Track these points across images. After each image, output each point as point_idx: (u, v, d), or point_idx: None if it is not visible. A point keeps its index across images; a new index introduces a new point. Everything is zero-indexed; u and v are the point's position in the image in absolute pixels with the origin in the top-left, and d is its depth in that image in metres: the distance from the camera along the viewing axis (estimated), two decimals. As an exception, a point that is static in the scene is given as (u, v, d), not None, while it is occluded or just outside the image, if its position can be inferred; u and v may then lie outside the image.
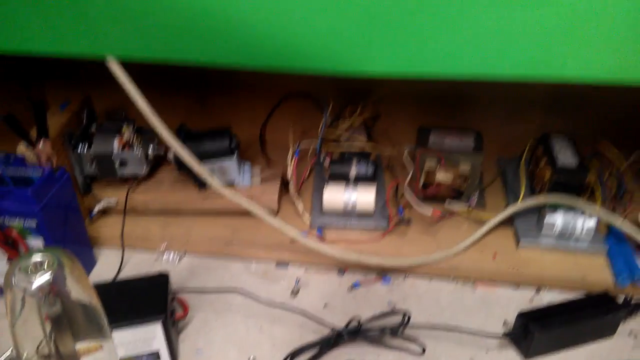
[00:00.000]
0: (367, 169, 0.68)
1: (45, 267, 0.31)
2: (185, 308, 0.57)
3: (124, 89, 0.54)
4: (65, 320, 0.32)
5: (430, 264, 0.64)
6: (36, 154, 0.55)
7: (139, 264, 0.67)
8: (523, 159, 0.76)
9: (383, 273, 0.65)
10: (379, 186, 0.71)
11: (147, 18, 0.48)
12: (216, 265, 0.67)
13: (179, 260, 0.67)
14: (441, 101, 0.82)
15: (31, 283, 0.30)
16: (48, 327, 0.32)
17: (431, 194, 0.71)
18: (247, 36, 0.47)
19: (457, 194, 0.72)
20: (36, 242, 0.55)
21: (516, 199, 0.70)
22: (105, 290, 0.52)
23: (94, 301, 0.37)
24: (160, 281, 0.54)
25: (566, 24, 0.45)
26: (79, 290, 0.34)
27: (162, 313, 0.50)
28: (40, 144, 0.54)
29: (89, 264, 0.66)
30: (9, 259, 0.54)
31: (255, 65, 0.50)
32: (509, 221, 0.70)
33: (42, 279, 0.31)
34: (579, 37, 0.46)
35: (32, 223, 0.54)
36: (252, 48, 0.48)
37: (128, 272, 0.65)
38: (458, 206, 0.71)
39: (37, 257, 0.32)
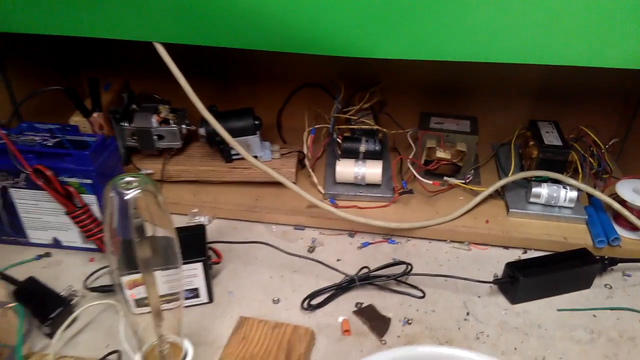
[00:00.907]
0: (375, 145, 0.77)
1: (136, 185, 0.40)
2: (219, 255, 0.65)
3: (170, 70, 0.63)
4: (145, 232, 0.41)
5: (430, 227, 0.73)
6: (90, 123, 0.64)
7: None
8: (513, 141, 0.85)
9: (388, 236, 0.74)
10: (385, 162, 0.80)
11: (192, 9, 0.57)
12: (241, 226, 0.75)
13: (209, 222, 0.76)
14: (441, 91, 0.92)
15: (125, 194, 0.39)
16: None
17: (432, 169, 0.80)
18: (277, 25, 0.56)
19: (454, 171, 0.81)
20: (90, 198, 0.64)
21: (507, 175, 0.79)
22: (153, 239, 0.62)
23: (170, 227, 0.45)
24: (198, 231, 0.63)
25: (548, 17, 0.54)
26: (159, 216, 0.42)
27: (203, 255, 0.59)
28: (95, 115, 0.63)
29: (128, 226, 0.74)
30: (67, 212, 0.63)
31: (284, 50, 0.58)
32: (500, 194, 0.79)
33: (134, 192, 0.39)
34: (559, 28, 0.55)
35: (87, 181, 0.63)
36: (282, 36, 0.57)
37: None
38: (455, 180, 0.80)
39: (130, 178, 0.40)
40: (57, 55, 0.88)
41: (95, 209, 0.65)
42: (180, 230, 0.62)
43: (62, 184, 0.62)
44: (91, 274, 0.64)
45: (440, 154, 0.79)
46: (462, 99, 0.92)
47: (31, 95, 0.61)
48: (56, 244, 0.68)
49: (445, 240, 0.74)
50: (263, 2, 0.56)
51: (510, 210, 0.76)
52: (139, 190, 0.39)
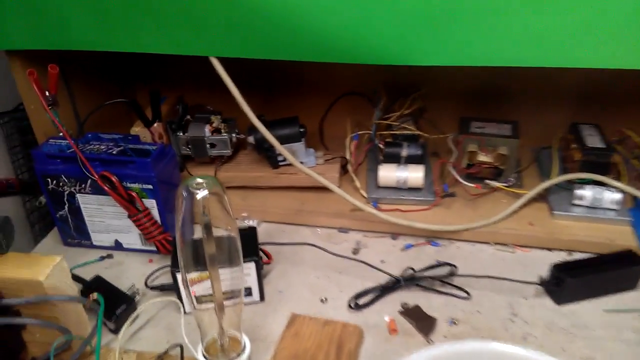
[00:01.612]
0: (416, 150, 0.79)
1: (205, 186, 0.43)
2: (269, 256, 0.69)
3: (222, 83, 0.67)
4: (212, 229, 0.44)
5: (473, 229, 0.74)
6: (151, 133, 0.68)
7: (223, 230, 0.79)
8: (555, 145, 0.86)
9: (431, 239, 0.76)
10: (426, 166, 0.81)
11: (244, 24, 0.61)
12: (288, 229, 0.79)
13: (258, 225, 0.79)
14: (481, 96, 0.93)
15: (196, 193, 0.43)
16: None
17: (473, 173, 0.81)
18: (324, 37, 0.59)
19: (496, 175, 0.82)
20: (150, 202, 0.68)
21: (550, 178, 0.80)
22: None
23: (234, 227, 0.49)
24: (250, 233, 0.66)
25: (584, 26, 0.55)
26: (224, 216, 0.46)
27: (255, 255, 0.62)
28: (155, 125, 0.68)
29: (182, 229, 0.79)
30: (129, 215, 0.67)
31: (331, 60, 0.61)
32: (543, 197, 0.80)
33: (203, 192, 0.43)
34: (602, 31, 0.56)
35: (148, 186, 0.67)
36: (328, 47, 0.60)
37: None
38: (497, 184, 0.81)
39: (200, 180, 0.44)
40: (115, 69, 0.94)
41: (155, 212, 0.69)
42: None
43: (125, 189, 0.66)
44: (151, 274, 0.68)
45: (482, 157, 0.80)
46: (502, 103, 0.93)
47: (99, 108, 0.66)
48: (117, 246, 0.73)
49: (489, 243, 0.75)
50: (310, 15, 0.59)
51: (554, 212, 0.76)
52: (207, 192, 0.43)
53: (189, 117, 0.81)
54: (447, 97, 0.93)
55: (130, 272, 0.70)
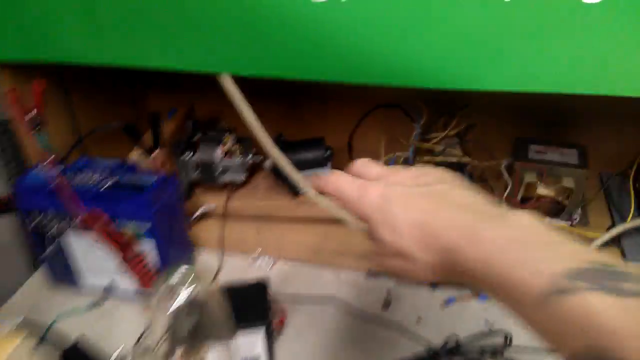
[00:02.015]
0: (463, 182, 0.66)
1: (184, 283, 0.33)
2: (282, 316, 0.58)
3: (232, 102, 0.56)
4: (199, 329, 0.34)
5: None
6: (152, 161, 0.58)
7: (234, 268, 0.69)
8: (632, 175, 0.71)
9: (477, 291, 0.64)
10: (474, 199, 0.69)
11: (260, 39, 0.49)
12: (307, 271, 0.68)
13: (272, 265, 0.69)
14: (539, 113, 0.79)
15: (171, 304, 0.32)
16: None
17: (530, 209, 0.68)
18: (360, 55, 0.48)
19: (556, 211, 0.69)
20: (148, 243, 0.59)
21: (622, 216, 0.66)
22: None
23: (223, 308, 0.38)
24: (260, 288, 0.56)
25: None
26: (212, 301, 0.36)
27: (265, 319, 0.52)
28: (156, 152, 0.58)
29: (189, 262, 0.69)
30: (122, 259, 0.58)
31: (368, 83, 0.50)
32: (614, 240, 0.66)
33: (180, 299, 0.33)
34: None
35: (145, 226, 0.57)
36: (366, 66, 0.49)
37: (225, 276, 0.68)
38: (560, 222, 0.68)
39: (175, 278, 0.34)
40: (124, 77, 0.84)
41: (152, 255, 0.60)
42: (238, 291, 0.55)
43: (118, 229, 0.57)
44: (143, 334, 0.59)
45: (542, 190, 0.67)
46: (563, 121, 0.79)
47: (93, 132, 0.57)
48: (111, 289, 0.64)
49: (548, 299, 0.62)
50: (344, 32, 0.47)
51: (631, 262, 0.63)
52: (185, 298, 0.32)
53: (199, 135, 0.71)
54: (499, 113, 0.79)
55: (122, 327, 0.61)
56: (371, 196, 0.34)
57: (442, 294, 0.64)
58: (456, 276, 0.30)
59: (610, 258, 0.25)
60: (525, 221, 0.28)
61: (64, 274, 0.64)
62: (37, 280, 0.68)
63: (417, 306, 0.62)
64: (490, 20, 0.45)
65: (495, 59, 0.47)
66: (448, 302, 0.63)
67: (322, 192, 0.41)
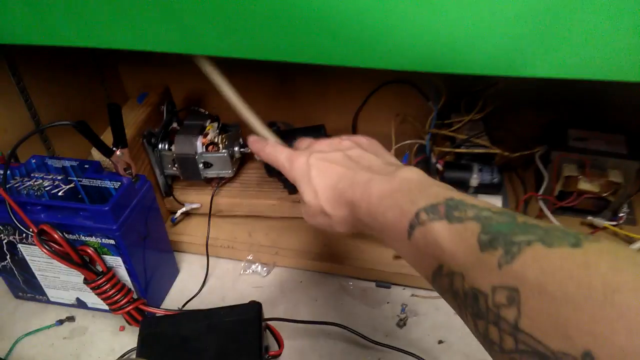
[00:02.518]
0: (492, 176, 0.56)
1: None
2: (280, 342, 0.49)
3: (214, 84, 0.46)
4: None
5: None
6: (113, 164, 0.48)
7: (223, 275, 0.60)
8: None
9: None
10: (504, 198, 0.58)
11: (248, 18, 0.38)
12: (308, 280, 0.58)
13: (267, 273, 0.60)
14: (579, 92, 0.67)
15: None
16: None
17: (569, 205, 0.58)
18: (375, 35, 0.37)
19: (601, 208, 0.59)
20: (114, 260, 0.49)
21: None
22: (194, 321, 0.46)
23: None
24: (251, 313, 0.46)
25: None
26: None
27: (257, 354, 0.42)
28: (118, 153, 0.47)
29: (171, 273, 0.60)
30: (85, 281, 0.48)
31: (383, 68, 0.39)
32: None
33: None
34: None
35: (109, 241, 0.48)
36: (382, 47, 0.37)
37: (213, 284, 0.59)
38: (603, 221, 0.58)
39: None
40: (87, 56, 0.72)
41: (122, 272, 0.50)
42: (228, 314, 0.46)
43: (76, 247, 0.47)
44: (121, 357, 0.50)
45: (584, 185, 0.57)
46: (607, 103, 0.67)
47: (34, 133, 0.46)
48: (80, 304, 0.55)
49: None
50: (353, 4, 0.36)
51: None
52: None
53: (175, 124, 0.60)
54: (531, 93, 0.67)
55: (94, 347, 0.52)
56: (298, 164, 0.39)
57: (465, 309, 0.54)
58: (361, 227, 0.36)
59: (462, 194, 0.29)
60: (408, 174, 0.33)
61: (27, 286, 0.55)
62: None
63: (438, 324, 0.53)
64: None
65: (542, 43, 0.36)
66: (473, 319, 0.53)
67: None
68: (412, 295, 0.56)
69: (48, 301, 0.56)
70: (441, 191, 0.29)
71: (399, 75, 0.68)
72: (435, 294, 0.56)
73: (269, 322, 0.51)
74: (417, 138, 0.64)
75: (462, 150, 0.57)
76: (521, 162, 0.66)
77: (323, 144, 0.40)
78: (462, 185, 0.56)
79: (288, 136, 0.57)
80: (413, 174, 0.33)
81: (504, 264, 0.23)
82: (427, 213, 0.28)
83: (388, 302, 0.56)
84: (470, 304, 0.24)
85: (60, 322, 0.55)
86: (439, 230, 0.27)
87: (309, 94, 0.75)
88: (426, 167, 0.63)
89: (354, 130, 0.74)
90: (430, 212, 0.28)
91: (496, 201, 0.56)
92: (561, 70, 0.38)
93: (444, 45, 0.37)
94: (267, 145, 0.44)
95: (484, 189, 0.56)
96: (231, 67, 0.48)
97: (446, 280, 0.26)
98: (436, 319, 0.54)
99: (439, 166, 0.58)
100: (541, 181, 0.60)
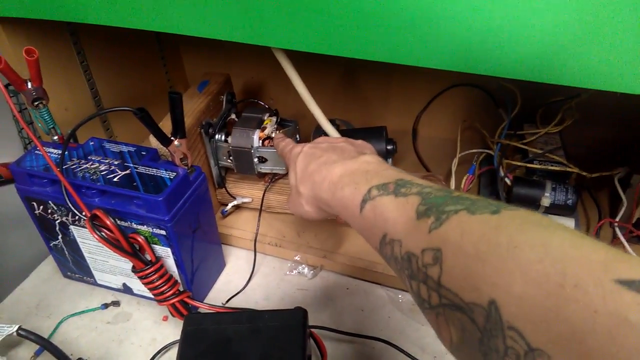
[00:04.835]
0: (566, 196, 0.51)
1: None
2: (324, 352, 0.47)
3: (289, 78, 0.44)
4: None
5: None
6: (170, 153, 0.47)
7: (269, 274, 0.58)
8: None
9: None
10: (576, 221, 0.54)
11: (322, 13, 0.36)
12: (355, 288, 0.56)
13: (314, 275, 0.58)
14: None
15: None
16: None
17: (648, 236, 0.53)
18: (445, 35, 0.34)
19: (685, 240, 0.53)
20: (164, 250, 0.48)
21: None
22: (238, 322, 0.45)
23: None
24: (295, 320, 0.44)
25: None
26: None
27: (300, 368, 0.41)
28: (175, 143, 0.46)
29: (218, 266, 0.59)
30: (134, 269, 0.48)
31: (452, 69, 0.36)
32: None
33: None
34: None
35: (160, 232, 0.47)
36: (451, 49, 0.34)
37: (258, 281, 0.58)
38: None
39: None
40: (149, 39, 0.72)
41: (170, 263, 0.49)
42: (273, 318, 0.45)
43: (127, 234, 0.46)
44: (161, 351, 0.49)
45: (667, 215, 0.52)
46: None
47: (91, 118, 0.45)
48: (127, 290, 0.55)
49: None
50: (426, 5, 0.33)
51: None
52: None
53: (234, 115, 0.58)
54: (614, 109, 0.61)
55: (136, 337, 0.52)
56: (294, 151, 0.43)
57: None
58: (323, 206, 0.38)
59: (413, 177, 0.31)
60: (369, 158, 0.36)
61: (76, 267, 0.56)
62: (48, 269, 0.60)
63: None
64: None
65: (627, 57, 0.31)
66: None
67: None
68: (466, 315, 0.53)
69: (95, 283, 0.56)
70: (394, 173, 0.32)
71: (468, 79, 0.64)
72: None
73: (313, 330, 0.49)
74: (484, 147, 0.60)
75: (535, 165, 0.53)
76: (597, 183, 0.61)
77: (323, 138, 0.44)
78: (531, 203, 0.52)
79: (348, 135, 0.55)
80: (373, 158, 0.36)
81: (433, 229, 0.25)
82: (378, 189, 0.31)
83: (439, 321, 0.53)
84: (406, 267, 0.27)
85: (106, 305, 0.55)
86: (385, 204, 0.30)
87: (371, 93, 0.72)
88: (492, 179, 0.59)
89: (414, 134, 0.71)
90: (381, 188, 0.31)
91: (568, 223, 0.52)
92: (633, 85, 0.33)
93: (513, 48, 0.34)
94: (282, 140, 0.48)
95: (556, 209, 0.52)
96: (299, 63, 0.46)
97: (388, 248, 0.29)
98: (491, 344, 0.50)
99: (508, 180, 0.54)
100: (617, 205, 0.55)
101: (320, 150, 0.40)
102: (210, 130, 0.56)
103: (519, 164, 0.54)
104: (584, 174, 0.52)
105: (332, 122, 0.56)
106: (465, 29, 0.34)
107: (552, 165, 0.52)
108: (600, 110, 0.58)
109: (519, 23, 0.32)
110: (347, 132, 0.56)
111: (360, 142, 0.43)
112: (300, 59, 0.45)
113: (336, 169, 0.36)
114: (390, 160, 0.56)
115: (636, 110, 0.59)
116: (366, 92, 0.72)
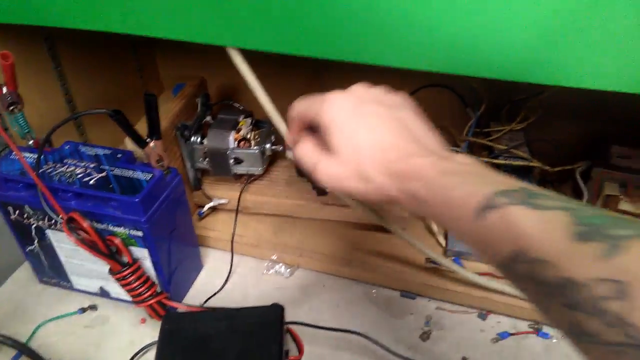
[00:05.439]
0: (529, 191, 0.54)
1: None
2: (300, 347, 0.48)
3: (245, 80, 0.45)
4: None
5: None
6: (146, 155, 0.48)
7: (247, 273, 0.59)
8: None
9: (538, 324, 0.52)
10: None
11: (288, 13, 0.37)
12: (331, 283, 0.57)
13: (291, 274, 0.59)
14: (622, 111, 0.63)
15: None
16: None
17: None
18: (407, 34, 0.36)
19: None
20: (140, 251, 0.49)
21: None
22: (215, 320, 0.46)
23: None
24: (273, 316, 0.45)
25: None
26: None
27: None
28: (151, 144, 0.47)
29: (195, 267, 0.59)
30: (111, 271, 0.48)
31: (414, 68, 0.38)
32: None
33: None
34: None
35: (137, 233, 0.47)
36: (414, 48, 0.36)
37: (236, 281, 0.58)
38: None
39: None
40: (125, 43, 0.72)
41: (147, 264, 0.50)
42: (250, 315, 0.46)
43: (103, 236, 0.47)
44: (140, 352, 0.50)
45: (625, 205, 0.54)
46: None
47: (66, 121, 0.46)
48: (104, 293, 0.55)
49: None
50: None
51: None
52: None
53: (209, 118, 0.59)
54: (575, 105, 0.64)
55: (114, 339, 0.52)
56: (336, 103, 0.33)
57: (493, 326, 0.53)
58: (401, 201, 0.32)
59: (534, 186, 0.28)
60: (467, 160, 0.31)
61: (52, 272, 0.56)
62: (24, 275, 0.59)
63: (463, 340, 0.51)
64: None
65: (586, 52, 0.34)
66: (501, 336, 0.52)
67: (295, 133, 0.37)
68: (437, 308, 0.55)
69: (72, 288, 0.56)
70: (510, 179, 0.29)
71: (437, 79, 0.66)
72: (462, 308, 0.55)
73: (290, 326, 0.50)
74: (454, 146, 0.62)
75: (500, 161, 0.55)
76: (559, 177, 0.63)
77: (365, 91, 0.35)
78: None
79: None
80: (470, 159, 0.31)
81: (606, 257, 0.22)
82: (504, 197, 0.27)
83: (412, 314, 0.54)
84: (561, 294, 0.24)
85: (83, 310, 0.55)
86: (518, 215, 0.26)
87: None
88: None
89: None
90: (506, 196, 0.27)
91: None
92: (600, 82, 0.36)
93: (483, 48, 0.36)
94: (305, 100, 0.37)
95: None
96: (266, 63, 0.47)
97: (524, 267, 0.26)
98: (461, 334, 0.52)
99: (474, 177, 0.56)
100: (579, 198, 0.57)
101: (387, 119, 0.33)
102: (186, 133, 0.57)
103: (485, 159, 0.56)
104: (547, 168, 0.55)
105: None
106: (435, 30, 0.36)
107: (516, 161, 0.55)
108: (562, 107, 0.61)
109: (488, 24, 0.34)
110: (320, 132, 0.58)
111: (400, 98, 0.36)
112: (266, 60, 0.46)
113: (431, 166, 0.31)
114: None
115: (595, 107, 0.62)
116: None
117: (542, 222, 0.25)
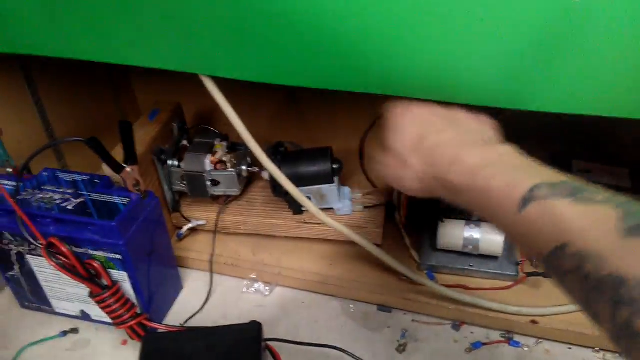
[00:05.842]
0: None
1: None
2: (278, 362, 0.49)
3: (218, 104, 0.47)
4: None
5: (571, 324, 0.52)
6: (123, 180, 0.49)
7: (226, 293, 0.60)
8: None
9: (510, 334, 0.54)
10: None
11: (259, 43, 0.39)
12: (310, 301, 0.59)
13: (270, 292, 0.60)
14: (581, 128, 0.66)
15: None
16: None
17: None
18: (377, 62, 0.38)
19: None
20: (120, 274, 0.50)
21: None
22: (195, 340, 0.47)
23: None
24: (251, 333, 0.47)
25: None
26: None
27: (254, 380, 0.43)
28: (127, 170, 0.48)
29: (175, 288, 0.60)
30: (90, 294, 0.49)
31: (386, 94, 0.40)
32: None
33: None
34: None
35: (116, 255, 0.48)
36: (385, 75, 0.38)
37: (215, 301, 0.59)
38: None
39: None
40: (102, 70, 0.73)
41: (127, 287, 0.51)
42: (228, 333, 0.47)
43: (83, 260, 0.48)
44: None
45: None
46: (610, 136, 0.67)
47: (44, 149, 0.47)
48: (85, 316, 0.56)
49: (593, 348, 0.53)
50: (360, 35, 0.37)
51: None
52: None
53: (185, 142, 0.61)
54: (533, 124, 0.67)
55: (96, 360, 0.53)
56: (396, 108, 0.38)
57: (466, 336, 0.54)
58: (438, 189, 0.34)
59: (576, 179, 0.29)
60: (508, 149, 0.32)
61: (33, 297, 0.56)
62: (5, 300, 0.60)
63: (438, 350, 0.53)
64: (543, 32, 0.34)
65: (545, 78, 0.37)
66: (474, 346, 0.53)
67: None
68: (413, 320, 0.56)
69: (53, 312, 0.57)
70: (553, 172, 0.29)
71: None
72: (437, 320, 0.57)
73: (269, 343, 0.51)
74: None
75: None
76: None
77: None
78: (465, 216, 0.57)
79: (293, 157, 0.59)
80: (512, 149, 0.32)
81: None
82: (548, 189, 0.27)
83: (389, 327, 0.56)
84: (610, 290, 0.23)
85: (64, 333, 0.55)
86: (563, 208, 0.26)
87: (316, 115, 0.76)
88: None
89: (362, 153, 0.75)
90: (551, 188, 0.27)
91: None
92: (560, 106, 0.38)
93: (448, 74, 0.38)
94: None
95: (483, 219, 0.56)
96: (240, 85, 0.49)
97: (570, 261, 0.25)
98: (436, 345, 0.54)
99: (444, 192, 0.58)
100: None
101: (439, 119, 0.37)
102: (163, 157, 0.58)
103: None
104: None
105: (281, 144, 0.60)
106: (410, 59, 0.38)
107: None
108: (523, 126, 0.63)
109: (457, 54, 0.36)
110: (294, 153, 0.59)
111: (483, 117, 0.38)
112: (243, 85, 0.48)
113: (471, 154, 0.32)
114: (337, 178, 0.60)
115: (556, 125, 0.65)
116: (312, 115, 0.76)
117: (589, 216, 0.25)
